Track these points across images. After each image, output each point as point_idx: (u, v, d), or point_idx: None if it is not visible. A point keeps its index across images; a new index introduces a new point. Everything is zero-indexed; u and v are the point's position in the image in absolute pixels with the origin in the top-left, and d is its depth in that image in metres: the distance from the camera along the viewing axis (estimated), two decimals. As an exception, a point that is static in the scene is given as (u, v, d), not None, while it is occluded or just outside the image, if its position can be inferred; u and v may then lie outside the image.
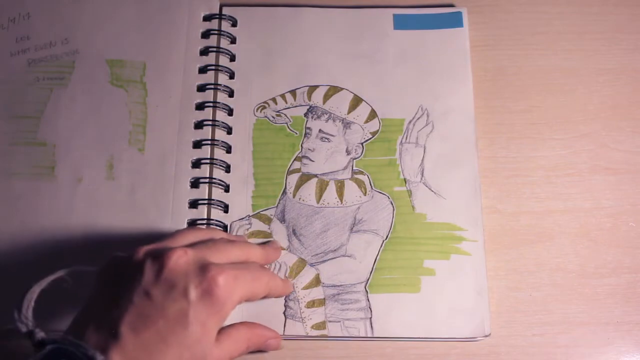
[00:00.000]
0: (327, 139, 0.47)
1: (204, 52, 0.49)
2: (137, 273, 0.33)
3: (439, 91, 0.48)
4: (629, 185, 0.47)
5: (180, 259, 0.33)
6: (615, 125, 0.49)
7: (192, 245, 0.36)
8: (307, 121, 0.47)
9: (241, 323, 0.39)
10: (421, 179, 0.46)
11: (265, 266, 0.43)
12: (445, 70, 0.49)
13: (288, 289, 0.42)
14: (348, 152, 0.47)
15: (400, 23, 0.51)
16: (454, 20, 0.50)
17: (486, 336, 0.43)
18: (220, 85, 0.48)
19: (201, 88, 0.48)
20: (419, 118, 0.47)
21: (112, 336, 0.31)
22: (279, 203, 0.45)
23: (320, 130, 0.47)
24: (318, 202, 0.45)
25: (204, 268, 0.33)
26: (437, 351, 0.43)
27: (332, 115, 0.47)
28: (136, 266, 0.33)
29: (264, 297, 0.40)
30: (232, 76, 0.49)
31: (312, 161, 0.47)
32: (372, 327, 0.42)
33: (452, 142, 0.47)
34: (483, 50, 0.51)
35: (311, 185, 0.46)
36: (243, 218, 0.45)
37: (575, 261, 0.46)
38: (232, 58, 0.50)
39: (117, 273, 0.34)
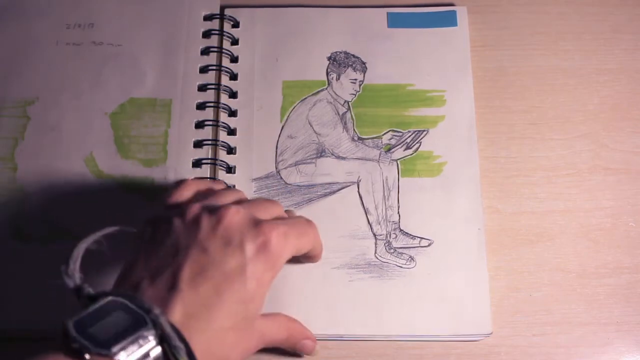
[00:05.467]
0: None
1: (205, 52, 0.49)
2: (193, 228, 0.33)
3: (439, 89, 0.49)
4: (628, 185, 0.48)
5: (235, 215, 0.33)
6: (615, 125, 0.49)
7: (237, 202, 0.36)
8: None
9: (282, 315, 0.39)
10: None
11: None
12: (443, 70, 0.49)
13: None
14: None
15: (394, 21, 0.51)
16: (448, 20, 0.51)
17: (486, 336, 0.43)
18: (221, 85, 0.48)
19: (202, 88, 0.48)
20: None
21: (171, 289, 0.30)
22: None
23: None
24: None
25: (257, 224, 0.33)
26: (437, 351, 0.43)
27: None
28: (191, 221, 0.33)
29: (306, 255, 0.40)
30: (234, 77, 0.49)
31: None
32: None
33: (453, 142, 0.47)
34: (483, 50, 0.51)
35: None
36: None
37: (575, 261, 0.46)
38: (234, 59, 0.50)
39: (164, 230, 0.34)
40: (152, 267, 0.32)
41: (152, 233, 0.34)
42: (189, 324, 0.30)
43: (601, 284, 0.45)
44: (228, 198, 0.36)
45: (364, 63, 0.49)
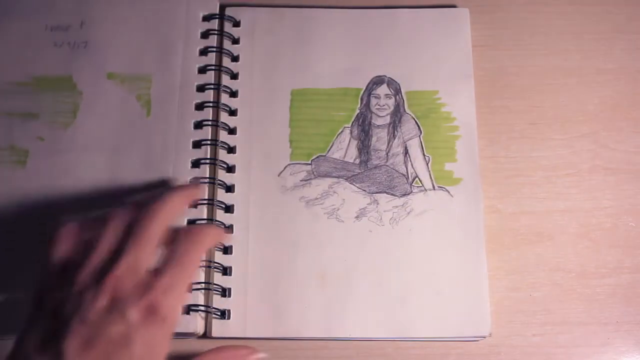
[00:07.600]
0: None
1: (204, 52, 0.49)
2: (76, 297, 0.32)
3: (440, 90, 0.49)
4: (629, 185, 0.48)
5: (117, 283, 0.32)
6: (615, 125, 0.49)
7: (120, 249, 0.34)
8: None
9: (209, 353, 0.38)
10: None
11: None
12: (445, 70, 0.49)
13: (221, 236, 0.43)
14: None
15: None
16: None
17: (486, 336, 0.43)
18: (221, 85, 0.48)
19: (201, 88, 0.48)
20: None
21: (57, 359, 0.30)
22: None
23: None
24: None
25: (143, 287, 0.33)
26: (437, 351, 0.43)
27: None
28: (75, 293, 0.32)
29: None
30: (234, 76, 0.49)
31: None
32: None
33: (452, 142, 0.47)
34: (483, 50, 0.51)
35: None
36: None
37: (575, 261, 0.46)
38: (235, 58, 0.50)
39: (50, 299, 0.33)
40: (39, 340, 0.31)
41: (40, 302, 0.33)
42: None
43: (601, 284, 0.45)
44: (110, 243, 0.34)
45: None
